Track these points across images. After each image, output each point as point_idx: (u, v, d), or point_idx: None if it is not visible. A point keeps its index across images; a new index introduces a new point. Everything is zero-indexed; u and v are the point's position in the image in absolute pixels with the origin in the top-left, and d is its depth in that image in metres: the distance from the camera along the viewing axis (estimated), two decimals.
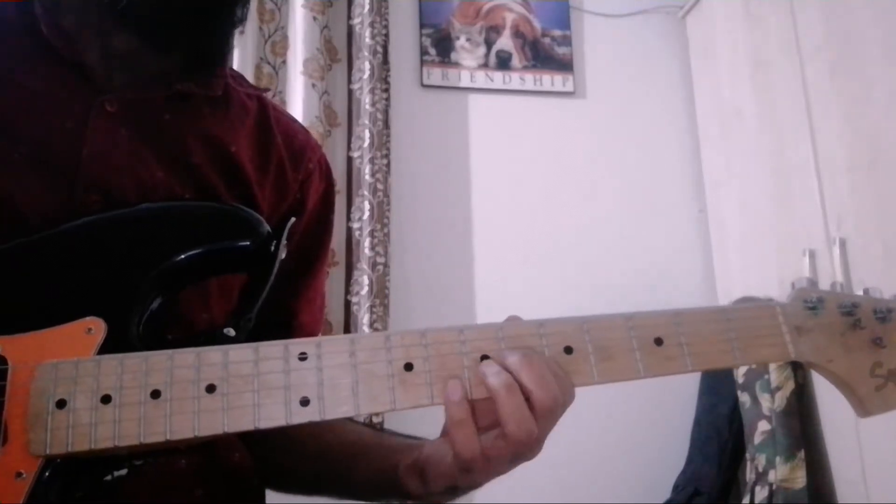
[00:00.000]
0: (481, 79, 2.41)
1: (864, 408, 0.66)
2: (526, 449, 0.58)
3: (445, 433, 0.61)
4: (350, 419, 0.68)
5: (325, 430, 0.76)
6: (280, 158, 0.80)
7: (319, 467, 0.77)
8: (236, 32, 0.76)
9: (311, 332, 0.85)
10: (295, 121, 0.90)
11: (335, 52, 2.28)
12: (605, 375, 0.60)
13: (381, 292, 2.07)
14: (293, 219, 0.73)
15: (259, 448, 0.78)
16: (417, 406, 0.58)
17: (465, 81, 2.40)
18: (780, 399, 1.82)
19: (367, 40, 2.23)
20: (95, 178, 0.67)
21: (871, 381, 0.65)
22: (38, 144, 0.66)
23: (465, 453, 0.57)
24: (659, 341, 0.62)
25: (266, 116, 0.82)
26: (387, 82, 2.24)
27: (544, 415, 0.57)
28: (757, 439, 1.86)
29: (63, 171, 0.66)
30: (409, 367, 0.58)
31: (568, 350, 0.61)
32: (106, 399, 0.54)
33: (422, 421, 0.74)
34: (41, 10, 0.71)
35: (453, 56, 2.41)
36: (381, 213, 2.13)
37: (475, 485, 0.62)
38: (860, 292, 0.69)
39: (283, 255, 0.69)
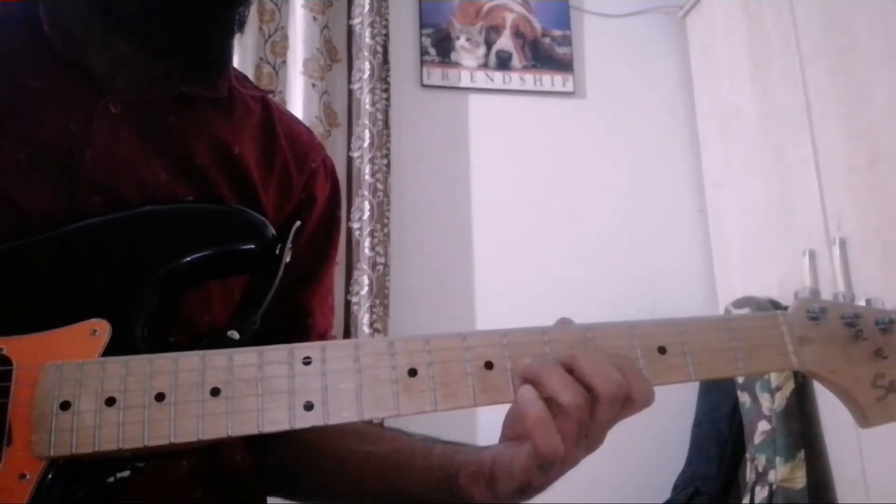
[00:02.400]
0: (481, 79, 2.41)
1: (865, 418, 0.66)
2: (584, 426, 0.57)
3: (506, 438, 0.62)
4: (388, 427, 0.68)
5: (365, 440, 0.75)
6: (284, 160, 0.80)
7: (357, 477, 0.75)
8: (236, 36, 0.77)
9: (323, 333, 0.85)
10: (299, 122, 0.90)
11: (335, 52, 2.28)
12: None
13: (381, 292, 2.07)
14: (298, 222, 0.73)
15: (271, 455, 0.77)
16: (420, 412, 0.57)
17: (465, 81, 2.40)
18: (780, 399, 1.82)
19: (367, 40, 2.23)
20: (98, 180, 0.67)
21: (873, 391, 0.65)
22: (41, 145, 0.66)
23: (546, 450, 0.56)
24: (662, 350, 0.62)
25: (270, 118, 0.81)
26: (387, 82, 2.24)
27: (607, 399, 0.56)
28: (757, 439, 1.87)
29: (66, 172, 0.66)
30: (412, 372, 0.58)
31: None
32: (110, 401, 0.54)
33: (422, 426, 0.74)
34: (44, 11, 0.71)
35: (453, 56, 2.41)
36: (381, 213, 2.13)
37: (550, 482, 0.61)
38: (860, 295, 0.69)
39: (287, 258, 0.69)
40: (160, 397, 0.55)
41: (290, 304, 0.80)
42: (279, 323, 0.76)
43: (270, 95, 0.86)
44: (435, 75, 2.38)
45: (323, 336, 0.85)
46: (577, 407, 0.56)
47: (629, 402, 0.58)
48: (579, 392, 0.56)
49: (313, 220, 0.83)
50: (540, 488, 0.62)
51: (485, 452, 0.65)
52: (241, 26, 0.75)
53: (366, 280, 2.07)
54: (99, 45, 0.71)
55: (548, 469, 0.58)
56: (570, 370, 0.58)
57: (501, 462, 0.62)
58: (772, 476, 1.79)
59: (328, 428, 0.56)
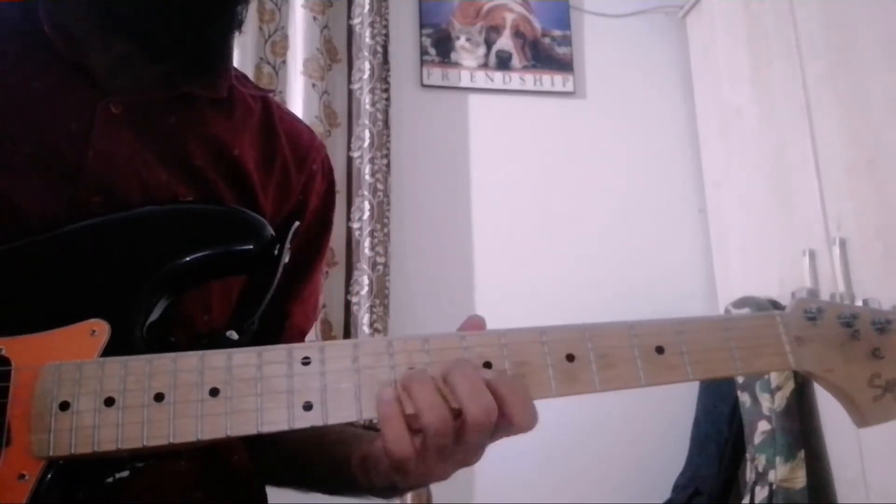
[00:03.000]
0: (481, 79, 2.41)
1: (862, 418, 0.66)
2: (443, 447, 0.56)
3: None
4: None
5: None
6: (284, 160, 0.80)
7: (302, 462, 0.78)
8: (235, 35, 0.77)
9: (300, 333, 0.85)
10: (299, 121, 0.90)
11: (335, 52, 2.28)
12: (607, 383, 0.60)
13: (381, 292, 2.08)
14: (297, 222, 0.73)
15: (258, 448, 0.78)
16: None
17: (465, 81, 2.40)
18: (780, 399, 1.82)
19: (367, 40, 2.23)
20: (99, 180, 0.67)
21: (870, 391, 0.65)
22: (41, 145, 0.66)
23: (396, 452, 0.56)
24: (660, 350, 0.62)
25: (270, 117, 0.82)
26: (387, 82, 2.24)
27: (475, 425, 0.55)
28: (757, 439, 1.87)
29: (66, 173, 0.66)
30: None
31: (570, 357, 0.60)
32: (109, 401, 0.54)
33: None
34: (44, 11, 0.71)
35: (453, 56, 2.41)
36: (381, 213, 2.13)
37: (415, 484, 0.62)
38: (860, 295, 0.69)
39: (286, 258, 0.69)
40: (159, 397, 0.55)
41: (271, 305, 0.80)
42: (267, 322, 0.76)
43: (271, 95, 0.86)
44: (435, 75, 2.38)
45: (303, 333, 0.85)
46: (437, 431, 0.55)
47: (509, 426, 0.57)
48: (440, 417, 0.55)
49: (305, 221, 0.82)
50: (410, 487, 0.63)
51: (375, 441, 0.65)
52: (241, 25, 0.75)
53: (366, 280, 2.07)
54: (99, 46, 0.71)
55: (402, 471, 0.58)
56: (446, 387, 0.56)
57: (376, 456, 0.64)
58: (772, 476, 1.79)
59: None
